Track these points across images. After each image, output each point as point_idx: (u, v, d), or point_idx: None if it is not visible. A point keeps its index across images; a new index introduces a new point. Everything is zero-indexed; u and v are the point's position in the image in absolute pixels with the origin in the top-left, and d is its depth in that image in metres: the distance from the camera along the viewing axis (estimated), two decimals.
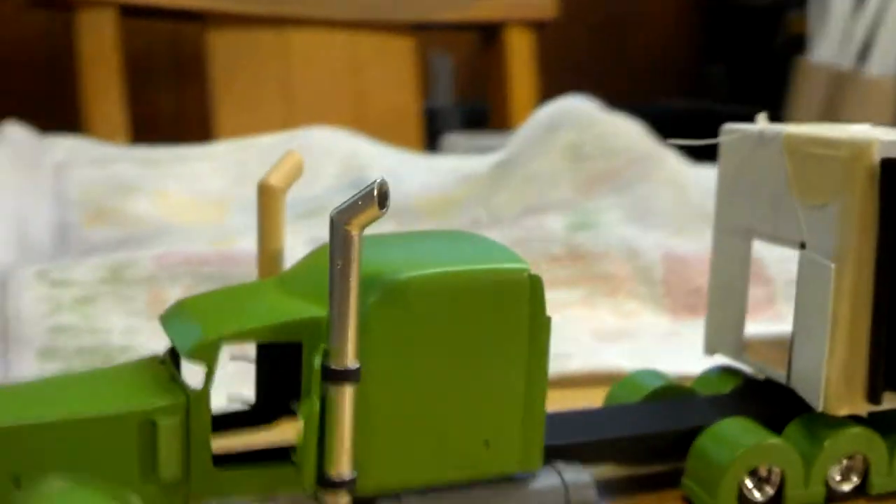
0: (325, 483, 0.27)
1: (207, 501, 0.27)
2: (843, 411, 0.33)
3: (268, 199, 0.31)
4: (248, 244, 0.51)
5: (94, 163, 0.72)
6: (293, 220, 0.64)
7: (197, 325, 0.27)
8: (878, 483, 0.34)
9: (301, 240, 0.55)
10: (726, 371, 0.38)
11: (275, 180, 0.31)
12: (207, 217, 0.70)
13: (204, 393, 0.26)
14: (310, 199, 0.73)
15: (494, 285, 0.28)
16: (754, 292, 0.40)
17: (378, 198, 0.25)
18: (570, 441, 0.32)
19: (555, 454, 0.31)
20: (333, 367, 0.26)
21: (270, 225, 0.32)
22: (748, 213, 0.37)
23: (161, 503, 0.26)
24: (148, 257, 0.48)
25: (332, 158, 0.76)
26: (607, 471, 0.35)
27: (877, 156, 0.32)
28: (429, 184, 0.73)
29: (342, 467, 0.27)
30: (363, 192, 0.25)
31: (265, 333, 0.27)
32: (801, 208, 0.34)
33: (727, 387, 0.37)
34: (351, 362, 0.26)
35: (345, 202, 0.26)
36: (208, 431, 0.26)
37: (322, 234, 0.57)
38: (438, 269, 0.28)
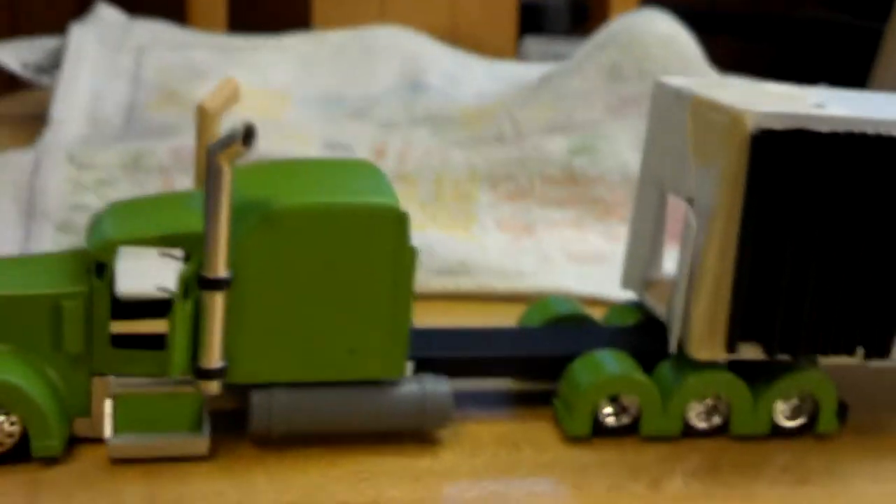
0: (198, 372, 0.32)
1: (105, 375, 0.32)
2: (704, 356, 0.36)
3: (203, 121, 0.35)
4: (262, 143, 0.56)
5: (172, 47, 0.77)
6: (331, 119, 0.69)
7: (108, 227, 0.32)
8: (739, 425, 0.37)
9: (317, 144, 0.59)
10: (634, 307, 0.41)
11: (210, 104, 0.35)
12: (269, 108, 0.75)
13: (103, 284, 0.31)
14: (364, 97, 0.77)
15: (361, 218, 0.32)
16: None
17: (243, 138, 0.29)
18: (442, 355, 0.36)
19: (428, 366, 0.35)
20: (205, 275, 0.31)
21: (205, 143, 0.36)
22: (661, 166, 0.39)
23: (68, 374, 0.32)
24: (164, 149, 0.53)
25: (394, 60, 0.79)
26: (500, 384, 0.39)
27: (750, 126, 0.33)
28: (481, 91, 0.75)
29: (212, 360, 0.32)
30: (234, 131, 0.29)
31: (156, 241, 0.32)
32: (694, 167, 0.36)
33: (629, 320, 0.40)
34: (221, 273, 0.31)
35: (220, 138, 0.30)
36: (106, 316, 0.32)
37: (339, 138, 0.61)
38: (310, 201, 0.32)
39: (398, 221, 0.32)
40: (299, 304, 0.32)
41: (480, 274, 0.49)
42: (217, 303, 0.31)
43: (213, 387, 0.32)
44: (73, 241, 0.49)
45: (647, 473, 0.34)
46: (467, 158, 0.58)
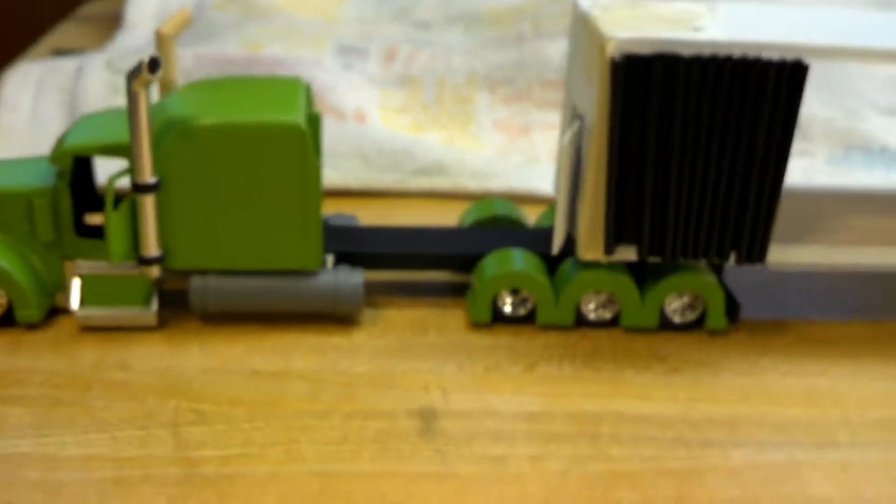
0: (140, 260, 0.38)
1: (73, 259, 0.39)
2: (589, 256, 0.39)
3: (162, 44, 0.41)
4: (275, 50, 0.61)
5: None
6: (371, 19, 0.73)
7: (69, 138, 0.38)
8: (627, 317, 0.40)
9: (330, 49, 0.64)
10: None
11: (165, 29, 0.41)
12: (324, 6, 0.79)
13: (63, 185, 0.38)
14: None
15: (265, 135, 0.37)
16: None
17: (147, 67, 0.35)
18: (364, 251, 0.41)
19: (351, 260, 0.41)
20: (136, 181, 0.37)
21: (166, 62, 0.41)
22: (573, 84, 0.42)
23: (45, 257, 0.39)
24: (188, 55, 0.59)
25: None
26: (436, 275, 0.44)
27: (611, 51, 0.36)
28: None
29: (149, 250, 0.38)
30: (140, 61, 0.35)
31: (99, 151, 0.38)
32: (584, 86, 0.39)
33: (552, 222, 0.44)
34: (147, 179, 0.37)
35: (136, 63, 0.35)
36: (68, 211, 0.38)
37: (356, 43, 0.66)
38: (221, 120, 0.37)
39: (299, 137, 0.37)
40: (221, 205, 0.38)
41: (456, 175, 0.53)
42: (147, 203, 0.37)
43: (153, 271, 0.39)
44: None
45: (527, 357, 0.39)
46: (467, 63, 0.62)
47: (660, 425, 0.36)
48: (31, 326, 0.39)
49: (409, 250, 0.42)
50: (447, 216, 0.48)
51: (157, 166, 0.37)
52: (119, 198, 0.40)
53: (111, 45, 0.73)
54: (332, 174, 0.52)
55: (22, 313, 0.39)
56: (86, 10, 0.88)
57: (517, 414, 0.36)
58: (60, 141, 0.39)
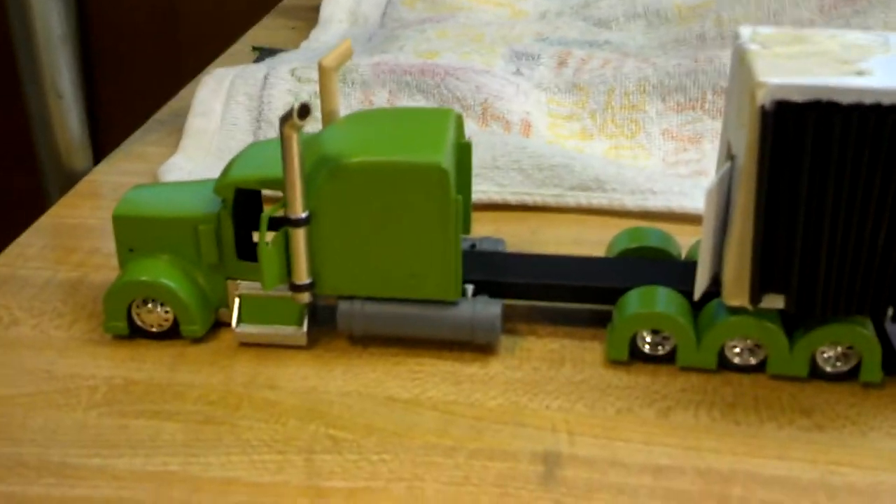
0: (292, 286, 0.39)
1: (234, 280, 0.40)
2: (734, 302, 0.36)
3: (323, 76, 0.41)
4: (448, 59, 0.61)
5: None
6: (552, 17, 0.71)
7: (233, 168, 0.39)
8: (774, 366, 0.37)
9: (502, 56, 0.62)
10: None
11: (327, 62, 0.41)
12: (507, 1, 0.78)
13: (226, 213, 0.39)
14: None
15: (411, 172, 0.37)
16: None
17: (297, 113, 0.35)
18: (503, 280, 0.40)
19: (489, 289, 0.40)
20: (289, 216, 0.37)
21: (327, 94, 0.41)
22: (729, 118, 0.38)
23: (210, 277, 0.41)
24: (366, 65, 0.59)
25: None
26: (573, 307, 0.42)
27: (761, 99, 0.33)
28: None
29: (301, 278, 0.38)
30: (291, 107, 0.35)
31: (259, 184, 0.39)
32: (736, 126, 0.36)
33: None
34: (299, 213, 0.37)
35: (288, 109, 0.35)
36: (231, 237, 0.39)
37: (529, 49, 0.64)
38: (371, 158, 0.37)
39: (440, 176, 0.37)
40: (368, 237, 0.38)
41: (613, 191, 0.50)
42: (299, 236, 0.38)
43: (304, 297, 0.39)
44: None
45: (663, 401, 0.37)
46: (639, 70, 0.58)
47: (794, 491, 0.33)
48: (195, 340, 0.41)
49: (551, 281, 0.40)
50: (603, 233, 0.46)
51: (309, 200, 0.38)
52: (277, 222, 0.41)
53: (306, 43, 0.75)
54: (491, 188, 0.51)
55: (186, 328, 0.41)
56: (290, 2, 0.90)
57: (644, 466, 0.34)
58: (226, 171, 0.40)
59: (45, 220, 0.52)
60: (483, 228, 0.49)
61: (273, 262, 0.38)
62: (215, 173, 0.55)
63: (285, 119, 0.36)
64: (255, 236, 0.43)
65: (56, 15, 0.69)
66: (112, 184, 0.56)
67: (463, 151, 0.41)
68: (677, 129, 0.56)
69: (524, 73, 0.61)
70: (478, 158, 0.52)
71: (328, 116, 0.41)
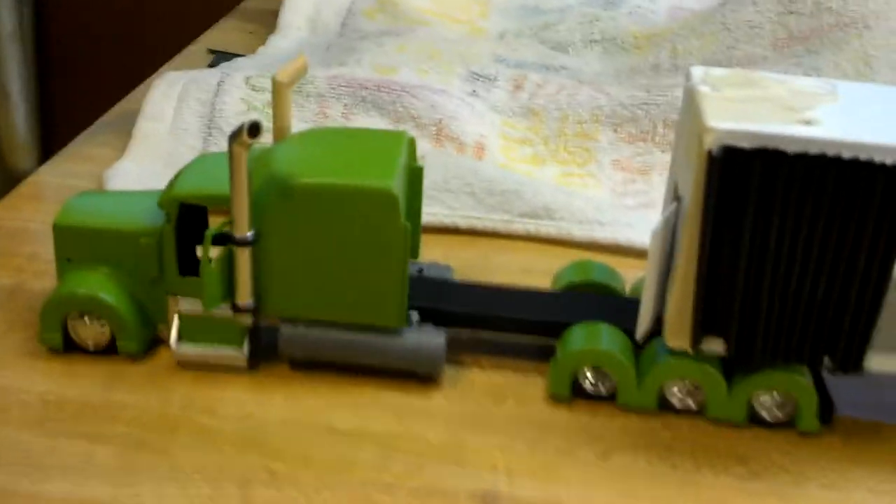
0: (234, 307, 0.38)
1: (174, 295, 0.39)
2: (675, 344, 0.36)
3: (277, 91, 0.40)
4: (405, 75, 0.60)
5: None
6: (510, 38, 0.71)
7: (179, 182, 0.38)
8: (713, 409, 0.37)
9: (459, 76, 0.62)
10: None
11: (282, 77, 0.40)
12: (468, 15, 0.78)
13: (170, 227, 0.38)
14: (556, 9, 0.77)
15: (360, 197, 0.36)
16: None
17: (247, 131, 0.34)
18: (450, 309, 0.40)
19: (438, 318, 0.39)
20: (235, 235, 0.36)
21: (280, 109, 0.40)
22: (677, 158, 0.38)
23: (149, 291, 0.39)
24: (322, 77, 0.58)
25: None
26: (518, 338, 0.42)
27: (708, 144, 0.33)
28: (674, 13, 0.73)
29: (243, 299, 0.38)
30: (242, 125, 0.34)
31: (207, 201, 0.38)
32: (684, 167, 0.36)
33: None
34: (244, 233, 0.36)
35: (238, 126, 0.35)
36: (173, 252, 0.38)
37: (486, 70, 0.63)
38: (320, 180, 0.36)
39: (390, 202, 0.36)
40: (313, 260, 0.37)
41: (562, 219, 0.50)
42: (244, 256, 0.37)
43: (246, 319, 0.38)
44: None
45: (602, 442, 0.37)
46: (593, 98, 0.58)
47: None
48: (132, 357, 0.40)
49: (497, 312, 0.40)
50: (551, 262, 0.46)
51: (256, 220, 0.37)
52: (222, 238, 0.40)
53: (262, 48, 0.74)
54: (441, 211, 0.51)
55: (123, 345, 0.40)
56: (249, 5, 0.89)
57: None
58: (172, 184, 0.39)
59: None
60: (431, 252, 0.48)
61: (215, 281, 0.37)
62: (163, 180, 0.53)
63: (235, 136, 0.35)
64: (199, 251, 0.42)
65: (6, 11, 0.67)
66: (56, 186, 0.54)
67: (414, 175, 0.41)
68: (627, 160, 0.56)
69: (480, 95, 0.60)
70: (429, 179, 0.51)
71: (280, 132, 0.41)
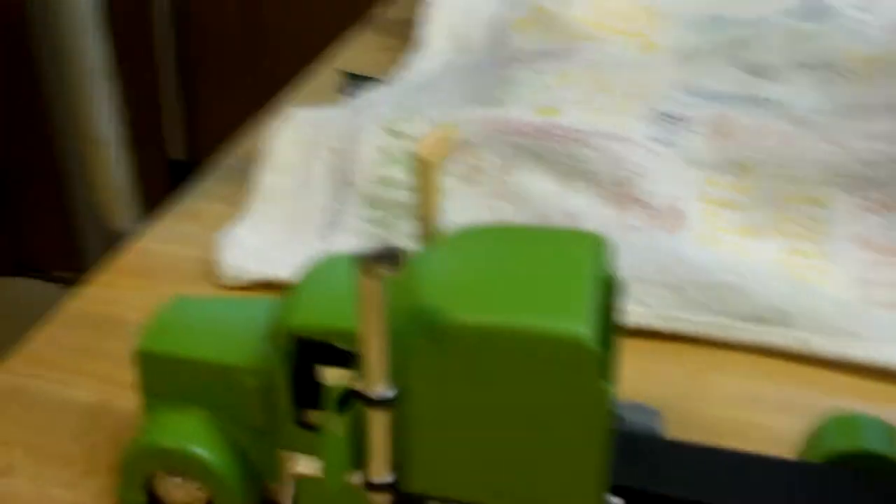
0: (369, 486, 0.27)
1: (287, 451, 0.29)
2: None
3: (422, 171, 0.29)
4: (572, 115, 0.48)
5: None
6: (693, 56, 0.57)
7: (293, 307, 0.28)
8: None
9: (643, 118, 0.49)
10: None
11: (426, 153, 0.29)
12: (636, 23, 0.65)
13: (282, 365, 0.28)
14: (746, 21, 0.63)
15: (542, 345, 0.25)
16: None
17: (385, 263, 0.23)
18: (658, 489, 0.28)
19: (642, 501, 0.28)
20: (366, 392, 0.26)
21: (426, 194, 0.30)
22: None
23: (256, 442, 0.29)
24: (475, 121, 0.47)
25: None
26: None
27: None
28: None
29: (378, 474, 0.27)
30: (383, 250, 0.23)
31: (332, 336, 0.27)
32: None
33: None
34: (379, 391, 0.26)
35: (370, 252, 0.24)
36: (287, 397, 0.28)
37: (674, 109, 0.50)
38: (486, 318, 0.25)
39: (583, 355, 0.25)
40: (473, 425, 0.26)
41: (801, 327, 0.38)
42: (379, 421, 0.26)
43: (382, 499, 0.28)
44: (379, 216, 0.46)
45: None
46: (822, 150, 0.45)
47: None
48: None
49: (736, 497, 0.28)
50: (782, 388, 0.34)
51: (395, 369, 0.26)
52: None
53: (403, 71, 0.63)
54: (635, 308, 0.39)
55: None
56: (384, 13, 0.78)
57: None
58: (286, 306, 0.28)
59: (73, 305, 0.42)
60: (624, 370, 0.37)
61: (341, 451, 0.27)
62: (286, 254, 0.44)
63: (367, 267, 0.24)
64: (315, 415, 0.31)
65: (93, 48, 0.59)
66: (162, 256, 0.45)
67: (607, 287, 0.29)
68: (874, 236, 0.43)
69: (670, 141, 0.48)
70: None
71: (426, 222, 0.30)
